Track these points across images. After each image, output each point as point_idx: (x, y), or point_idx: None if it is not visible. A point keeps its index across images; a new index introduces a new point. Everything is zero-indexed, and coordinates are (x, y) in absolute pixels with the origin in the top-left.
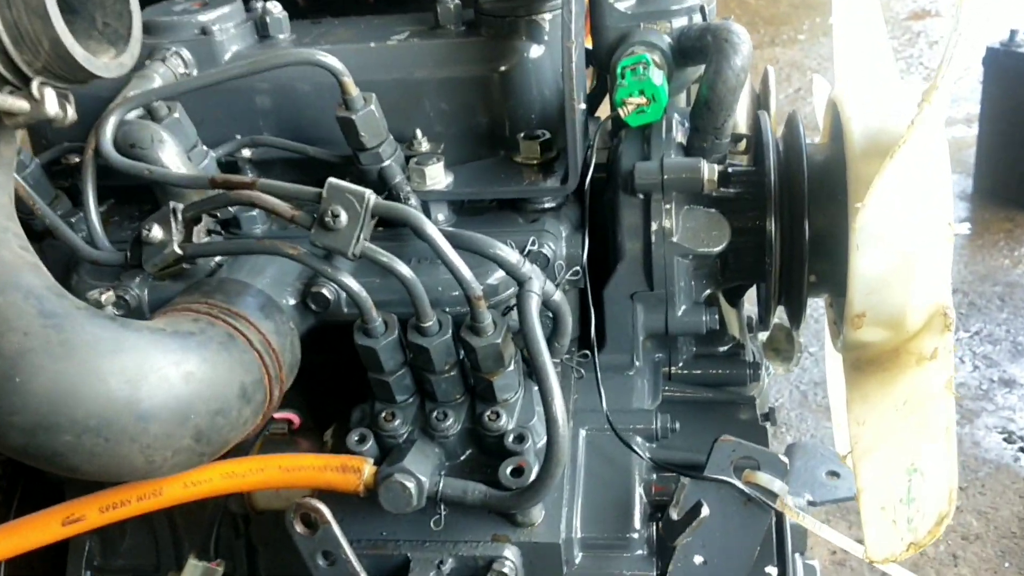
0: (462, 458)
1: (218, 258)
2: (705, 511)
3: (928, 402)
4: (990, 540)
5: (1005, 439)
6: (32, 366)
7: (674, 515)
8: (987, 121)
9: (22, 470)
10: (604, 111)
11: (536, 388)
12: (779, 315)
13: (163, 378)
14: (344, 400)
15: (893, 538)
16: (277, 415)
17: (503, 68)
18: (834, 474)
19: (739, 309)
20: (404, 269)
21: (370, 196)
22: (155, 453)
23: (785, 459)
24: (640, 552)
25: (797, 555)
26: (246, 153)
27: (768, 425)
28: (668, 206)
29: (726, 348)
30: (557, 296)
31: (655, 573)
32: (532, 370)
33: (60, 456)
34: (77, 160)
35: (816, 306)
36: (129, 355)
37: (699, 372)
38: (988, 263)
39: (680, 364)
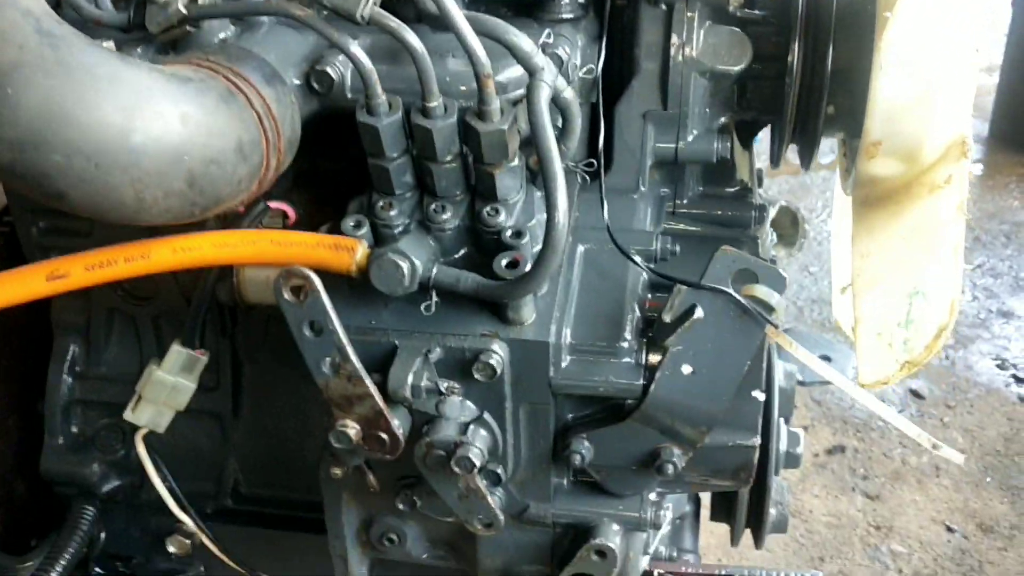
0: (457, 255)
1: (223, 34)
2: (699, 312)
3: (938, 227)
4: (974, 456)
5: (998, 365)
6: (25, 79)
7: (667, 318)
8: (1008, 70)
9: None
10: None
11: (538, 194)
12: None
13: (158, 113)
14: (341, 207)
15: (887, 360)
16: (272, 204)
17: None
18: (826, 357)
19: (750, 152)
20: (413, 39)
21: None
22: (146, 190)
23: (784, 274)
24: (628, 360)
25: (782, 420)
26: None
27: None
28: (691, 17)
29: (733, 189)
30: (568, 93)
31: (641, 381)
32: (537, 154)
33: (48, 178)
34: None
35: (821, 227)
36: (125, 85)
37: (704, 210)
38: (997, 202)
39: (685, 201)
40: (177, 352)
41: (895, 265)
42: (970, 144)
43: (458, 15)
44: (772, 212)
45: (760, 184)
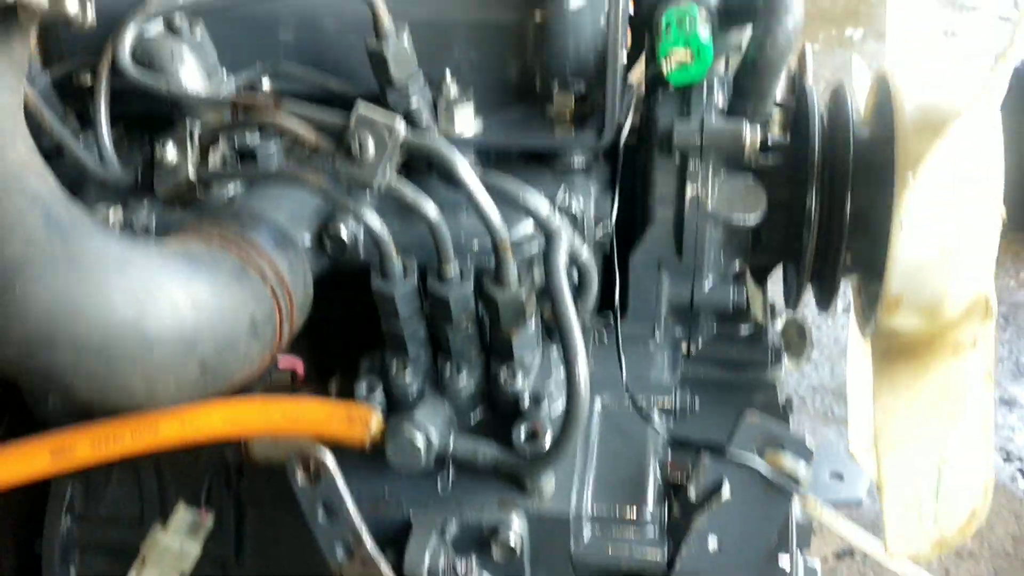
0: (472, 417)
1: (231, 190)
2: (726, 492)
3: (965, 393)
4: (984, 558)
5: (1003, 458)
6: (33, 276)
7: (692, 493)
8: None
9: (6, 406)
10: (636, 80)
11: (554, 351)
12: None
13: (171, 302)
14: (350, 357)
15: (918, 535)
16: (282, 363)
17: (539, 17)
18: (837, 476)
19: (763, 292)
20: (431, 209)
21: (400, 126)
22: (158, 382)
23: (812, 445)
24: (651, 531)
25: (799, 551)
26: (265, 85)
27: (788, 414)
28: (705, 170)
29: (748, 330)
30: (585, 255)
31: (665, 554)
32: (556, 325)
33: (57, 375)
34: (90, 80)
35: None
36: (137, 274)
37: (719, 353)
38: (995, 283)
39: (699, 343)
40: (182, 514)
41: (920, 429)
42: (994, 305)
43: (475, 184)
44: (780, 323)
45: (774, 317)
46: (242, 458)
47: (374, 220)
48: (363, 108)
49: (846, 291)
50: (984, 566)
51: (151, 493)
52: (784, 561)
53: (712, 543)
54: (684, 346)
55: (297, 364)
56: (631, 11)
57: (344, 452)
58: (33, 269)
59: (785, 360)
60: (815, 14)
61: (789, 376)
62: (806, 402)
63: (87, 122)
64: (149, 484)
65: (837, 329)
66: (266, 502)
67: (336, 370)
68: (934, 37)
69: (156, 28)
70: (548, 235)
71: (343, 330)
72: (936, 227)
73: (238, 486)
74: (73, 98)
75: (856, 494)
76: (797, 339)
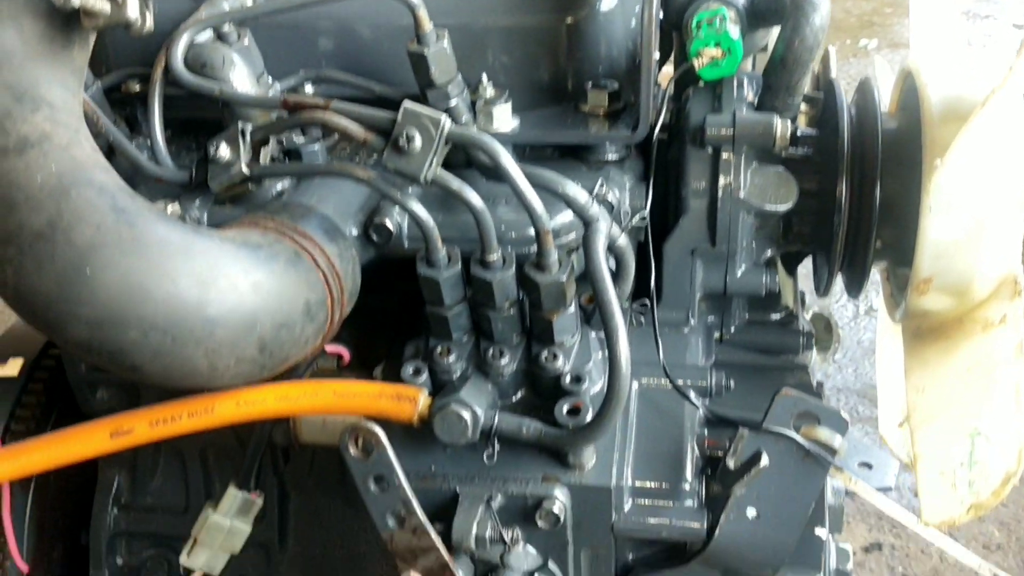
0: (515, 399)
1: (279, 187)
2: (764, 461)
3: (995, 368)
4: (1012, 551)
5: None
6: (103, 259)
7: (731, 463)
8: None
9: (59, 393)
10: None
11: (592, 334)
12: (817, 306)
13: (232, 285)
14: (391, 342)
15: (952, 501)
16: (329, 348)
17: (571, 19)
18: (866, 465)
19: (794, 279)
20: (475, 198)
21: (445, 120)
22: (219, 359)
23: (846, 416)
24: (690, 503)
25: (832, 536)
26: (308, 89)
27: (821, 393)
28: (737, 161)
29: (779, 316)
30: (622, 241)
31: (704, 525)
32: (597, 303)
33: (124, 353)
34: (136, 88)
35: (843, 314)
36: (199, 258)
37: (751, 338)
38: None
39: (732, 329)
40: (233, 495)
41: (952, 402)
42: (1022, 283)
43: (517, 173)
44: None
45: (803, 306)
46: (291, 440)
47: (420, 210)
48: (410, 104)
49: (868, 295)
50: (1012, 559)
51: (196, 482)
52: (821, 532)
53: (751, 512)
54: (717, 333)
55: (343, 351)
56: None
57: (392, 433)
58: (103, 253)
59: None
60: (829, 25)
61: (813, 376)
62: (830, 403)
63: (135, 127)
64: (195, 473)
65: (860, 331)
66: (310, 488)
67: (379, 358)
68: (957, 36)
69: (206, 35)
70: (587, 221)
71: (384, 320)
72: (964, 209)
73: (282, 474)
74: (122, 106)
75: (886, 482)
76: (823, 333)
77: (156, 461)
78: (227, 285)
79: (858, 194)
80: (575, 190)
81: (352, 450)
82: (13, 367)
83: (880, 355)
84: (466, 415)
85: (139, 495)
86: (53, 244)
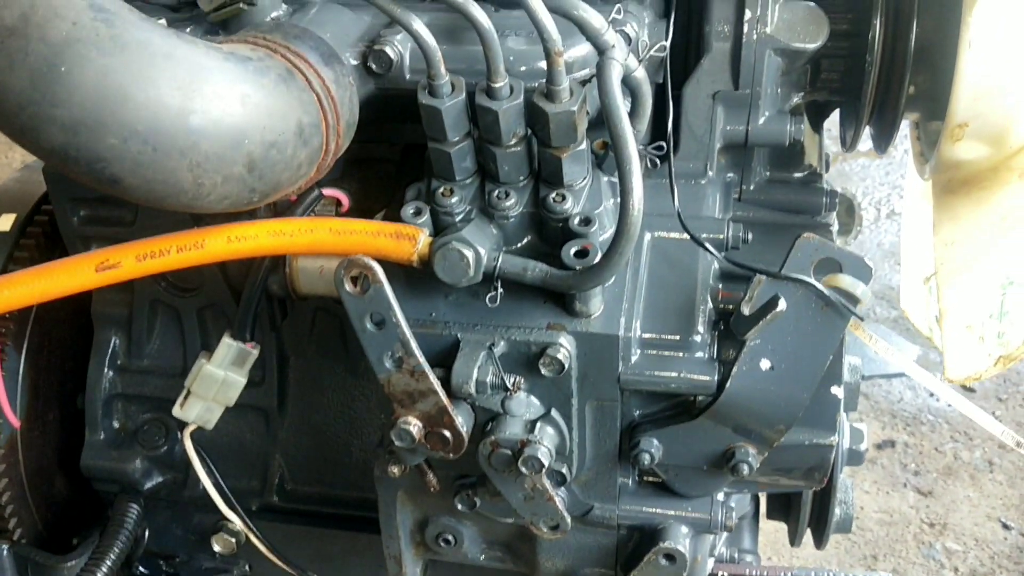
0: (520, 244)
1: (275, 13)
2: (782, 304)
3: None
4: None
5: None
6: (79, 56)
7: (746, 309)
8: None
9: (53, 250)
10: None
11: (604, 179)
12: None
13: (217, 94)
14: (394, 193)
15: (979, 355)
16: (326, 191)
17: None
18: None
19: (820, 136)
20: (481, 15)
21: None
22: (204, 174)
23: (870, 263)
24: (701, 355)
25: (846, 414)
26: None
27: None
28: None
29: (802, 175)
30: (639, 72)
31: (716, 377)
32: (610, 136)
33: (103, 161)
34: None
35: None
36: (183, 63)
37: (772, 196)
38: None
39: (752, 187)
40: (228, 345)
41: (984, 254)
42: None
43: None
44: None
45: (827, 169)
46: (288, 291)
47: (423, 30)
48: None
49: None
50: None
51: (194, 344)
52: (837, 391)
53: (764, 364)
54: (736, 190)
55: (341, 196)
56: None
57: (392, 278)
58: (79, 50)
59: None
60: None
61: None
62: None
63: None
64: (192, 334)
65: (881, 234)
66: (310, 353)
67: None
68: None
69: None
70: (601, 49)
71: (388, 172)
72: (1006, 48)
73: (280, 334)
74: None
75: (902, 368)
76: (845, 216)
77: (153, 322)
78: (212, 93)
79: (892, 33)
80: (590, 13)
81: (347, 286)
82: (5, 222)
83: (906, 226)
84: (468, 254)
85: (135, 357)
86: (26, 40)
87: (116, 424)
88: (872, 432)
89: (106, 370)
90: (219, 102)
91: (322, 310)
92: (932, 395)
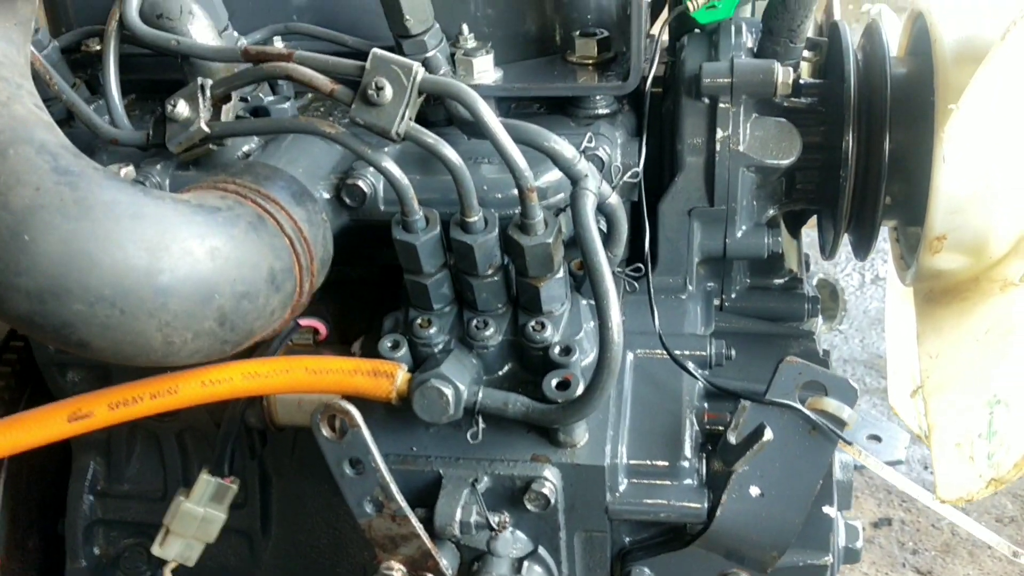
0: (501, 372)
1: (245, 148)
2: (768, 434)
3: (1016, 329)
4: None
5: None
6: (43, 224)
7: (732, 438)
8: None
9: (29, 376)
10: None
11: (583, 302)
12: (823, 273)
13: (186, 250)
14: (372, 317)
15: (969, 475)
16: (303, 321)
17: None
18: (875, 438)
19: (798, 241)
20: (451, 154)
21: (418, 69)
22: (174, 333)
23: (855, 385)
24: (689, 482)
25: (840, 512)
26: (278, 43)
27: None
28: (736, 112)
29: (783, 281)
30: (613, 199)
31: (705, 505)
32: (586, 267)
33: (70, 327)
34: (97, 48)
35: (848, 283)
36: (150, 222)
37: (753, 304)
38: None
39: (733, 295)
40: (206, 482)
41: (969, 369)
42: None
43: (497, 126)
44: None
45: (808, 270)
46: (266, 423)
47: (394, 168)
48: (380, 51)
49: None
50: None
51: (174, 467)
52: (829, 510)
53: (754, 490)
54: (717, 299)
55: (319, 325)
56: None
57: (371, 412)
58: (43, 216)
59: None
60: None
61: (819, 345)
62: (837, 373)
63: (96, 90)
64: (172, 458)
65: (867, 300)
66: (292, 471)
67: (360, 333)
68: None
69: None
70: (574, 179)
71: (365, 293)
72: (980, 160)
73: (262, 455)
74: (82, 68)
75: (895, 455)
76: (829, 301)
77: (132, 446)
78: (180, 251)
79: (866, 146)
80: (561, 145)
81: (325, 431)
82: None
83: (889, 322)
84: (447, 391)
85: (115, 481)
86: None
87: (97, 550)
88: (868, 510)
89: (86, 495)
90: (188, 259)
91: (303, 430)
92: (926, 468)
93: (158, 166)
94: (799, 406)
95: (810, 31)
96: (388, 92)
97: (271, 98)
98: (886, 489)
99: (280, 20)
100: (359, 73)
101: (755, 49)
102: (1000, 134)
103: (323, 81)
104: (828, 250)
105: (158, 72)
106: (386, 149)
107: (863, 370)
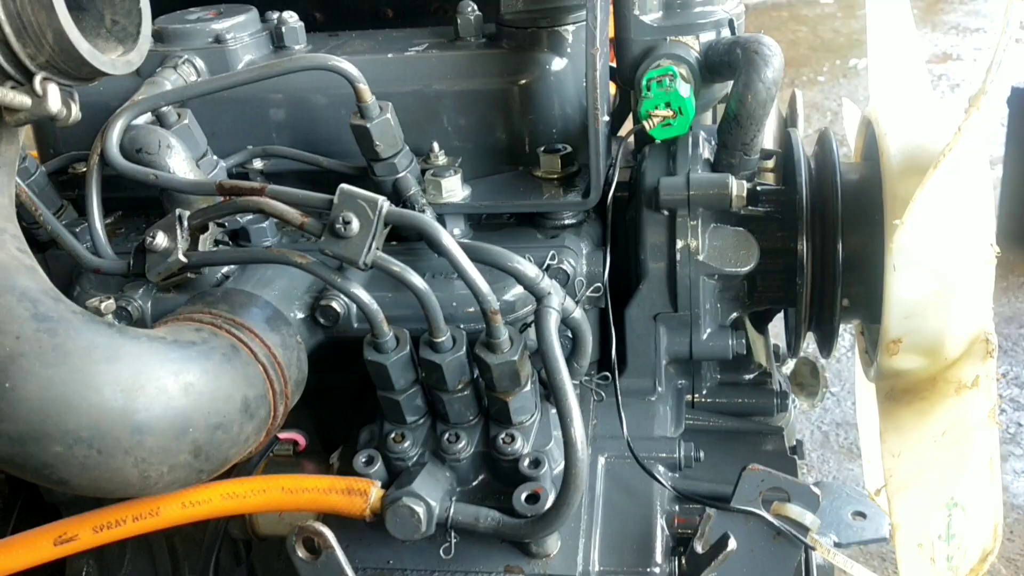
0: (474, 483)
1: (224, 270)
2: (732, 544)
3: (969, 433)
4: None
5: None
6: (23, 371)
7: (699, 548)
8: (1011, 162)
9: (22, 485)
10: (626, 132)
11: (553, 411)
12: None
13: (161, 388)
14: (352, 423)
15: (932, 575)
16: (282, 435)
17: (524, 81)
18: (860, 514)
19: (765, 336)
20: (417, 280)
21: (383, 203)
22: (150, 468)
23: (817, 491)
24: None
25: None
26: (257, 164)
27: (796, 459)
28: (694, 223)
29: (752, 376)
30: (577, 314)
31: None
32: (550, 390)
33: (49, 468)
34: (83, 170)
35: (840, 344)
36: (125, 363)
37: (723, 400)
38: (1013, 305)
39: (703, 392)
40: None
41: (928, 470)
42: (994, 342)
43: (459, 253)
44: (790, 365)
45: (777, 360)
46: (248, 533)
47: (363, 294)
48: (346, 187)
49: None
50: None
51: (164, 570)
52: None
53: None
54: (688, 396)
55: (298, 437)
56: (613, 65)
57: (347, 524)
58: (23, 364)
59: (798, 402)
60: (819, 45)
61: (811, 412)
62: (829, 437)
63: (84, 211)
64: (163, 563)
65: (857, 363)
66: (279, 570)
67: (339, 435)
68: (920, 83)
69: (145, 117)
70: (537, 297)
71: (345, 399)
72: (930, 267)
73: (248, 559)
74: (70, 187)
75: (881, 532)
76: (810, 378)
77: (124, 551)
78: (155, 390)
79: (820, 251)
80: (524, 265)
81: (300, 552)
82: None
83: (860, 409)
84: (419, 509)
85: None
86: None
87: None
88: None
89: None
90: (162, 397)
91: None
92: None
93: (140, 291)
94: (763, 513)
95: (774, 125)
96: (355, 225)
97: (249, 217)
98: (880, 556)
99: (260, 138)
100: (328, 206)
101: (712, 160)
102: (946, 244)
103: (294, 215)
104: (792, 348)
105: (142, 190)
106: (355, 275)
107: (856, 433)
